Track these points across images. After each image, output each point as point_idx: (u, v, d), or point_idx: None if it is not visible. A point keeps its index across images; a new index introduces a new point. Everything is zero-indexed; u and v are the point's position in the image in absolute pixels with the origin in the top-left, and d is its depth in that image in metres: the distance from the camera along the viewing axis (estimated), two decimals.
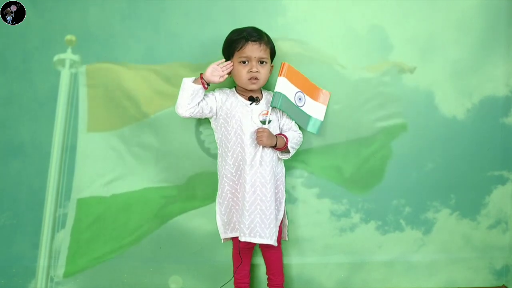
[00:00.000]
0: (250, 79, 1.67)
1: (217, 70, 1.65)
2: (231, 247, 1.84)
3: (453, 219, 1.98)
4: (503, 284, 2.01)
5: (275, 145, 1.69)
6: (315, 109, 1.80)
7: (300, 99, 1.74)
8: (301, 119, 1.76)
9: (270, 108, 1.69)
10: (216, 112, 1.71)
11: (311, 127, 1.80)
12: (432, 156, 1.94)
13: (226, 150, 1.70)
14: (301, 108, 1.75)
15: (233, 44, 1.67)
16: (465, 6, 1.87)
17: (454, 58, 1.90)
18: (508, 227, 1.99)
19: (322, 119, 1.81)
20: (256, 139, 1.66)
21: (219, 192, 1.74)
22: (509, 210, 1.98)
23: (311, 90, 1.79)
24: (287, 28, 1.84)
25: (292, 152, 1.74)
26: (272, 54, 1.74)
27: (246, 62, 1.67)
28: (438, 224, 1.97)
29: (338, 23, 1.87)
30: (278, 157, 1.75)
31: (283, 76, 1.68)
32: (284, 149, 1.72)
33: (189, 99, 1.63)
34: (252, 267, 1.89)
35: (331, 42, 1.87)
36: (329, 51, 1.87)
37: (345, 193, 1.93)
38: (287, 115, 1.74)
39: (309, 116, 1.78)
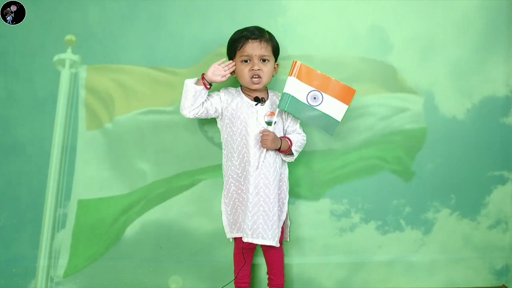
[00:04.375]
0: (252, 77, 1.66)
1: (219, 69, 1.64)
2: (232, 247, 1.84)
3: (453, 219, 1.98)
4: (503, 284, 2.01)
5: (279, 148, 1.68)
6: (334, 109, 1.67)
7: (314, 98, 1.66)
8: (316, 120, 1.68)
9: (277, 110, 1.68)
10: (222, 113, 1.71)
11: (327, 128, 1.69)
12: (432, 156, 1.94)
13: (232, 151, 1.70)
14: (316, 107, 1.66)
15: (234, 44, 1.67)
16: (465, 6, 1.87)
17: (454, 58, 1.90)
18: (508, 227, 1.99)
19: (339, 119, 1.68)
20: (261, 142, 1.65)
21: (225, 192, 1.74)
22: (509, 210, 1.98)
23: (331, 88, 1.66)
24: (287, 28, 1.84)
25: (296, 155, 1.73)
26: (275, 52, 1.71)
27: (248, 61, 1.66)
28: (438, 224, 1.97)
29: (338, 23, 1.87)
30: (281, 159, 1.75)
31: (293, 76, 1.63)
32: (288, 152, 1.71)
33: (192, 100, 1.62)
34: (252, 267, 1.89)
35: (331, 42, 1.87)
36: (329, 50, 1.87)
37: (347, 193, 1.94)
38: (296, 117, 1.71)
39: (326, 115, 1.68)
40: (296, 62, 1.64)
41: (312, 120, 1.68)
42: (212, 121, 1.80)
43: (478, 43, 1.89)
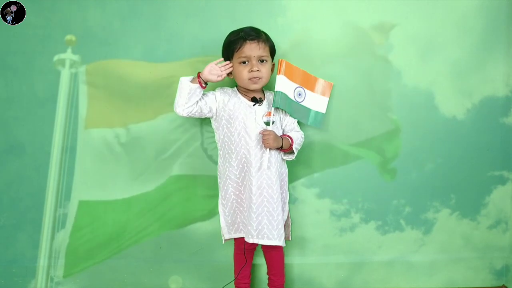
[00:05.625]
0: (252, 79, 1.66)
1: (215, 69, 1.63)
2: (231, 247, 1.84)
3: (453, 219, 1.98)
4: (503, 284, 2.01)
5: (281, 147, 1.68)
6: (316, 102, 1.78)
7: (299, 94, 1.73)
8: (302, 115, 1.75)
9: (273, 109, 1.68)
10: (216, 112, 1.70)
11: (312, 121, 1.78)
12: (432, 156, 1.94)
13: (229, 151, 1.69)
14: (301, 103, 1.74)
15: (231, 45, 1.66)
16: (465, 6, 1.87)
17: (454, 58, 1.90)
18: (508, 227, 1.99)
19: (323, 111, 1.79)
20: (263, 141, 1.64)
21: (222, 193, 1.73)
22: (509, 210, 1.98)
23: (311, 83, 1.77)
24: (287, 28, 1.84)
25: (296, 153, 1.73)
26: (272, 52, 1.72)
27: (246, 62, 1.65)
28: (438, 224, 1.97)
29: (338, 23, 1.87)
30: (282, 158, 1.74)
31: (282, 74, 1.67)
32: (289, 151, 1.71)
33: (186, 98, 1.61)
34: (252, 267, 1.89)
35: (331, 42, 1.87)
36: (329, 51, 1.87)
37: (347, 193, 1.94)
38: (289, 113, 1.73)
39: (310, 110, 1.77)
40: (281, 60, 1.68)
41: (301, 116, 1.75)
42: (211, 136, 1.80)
43: (478, 43, 1.89)
